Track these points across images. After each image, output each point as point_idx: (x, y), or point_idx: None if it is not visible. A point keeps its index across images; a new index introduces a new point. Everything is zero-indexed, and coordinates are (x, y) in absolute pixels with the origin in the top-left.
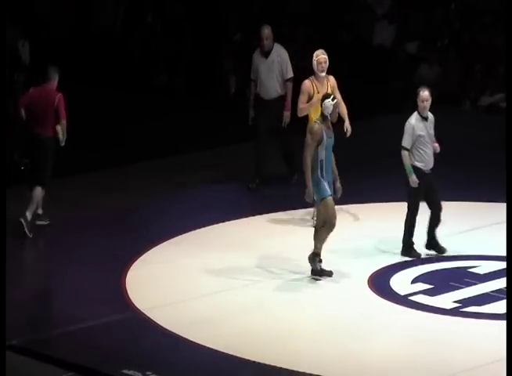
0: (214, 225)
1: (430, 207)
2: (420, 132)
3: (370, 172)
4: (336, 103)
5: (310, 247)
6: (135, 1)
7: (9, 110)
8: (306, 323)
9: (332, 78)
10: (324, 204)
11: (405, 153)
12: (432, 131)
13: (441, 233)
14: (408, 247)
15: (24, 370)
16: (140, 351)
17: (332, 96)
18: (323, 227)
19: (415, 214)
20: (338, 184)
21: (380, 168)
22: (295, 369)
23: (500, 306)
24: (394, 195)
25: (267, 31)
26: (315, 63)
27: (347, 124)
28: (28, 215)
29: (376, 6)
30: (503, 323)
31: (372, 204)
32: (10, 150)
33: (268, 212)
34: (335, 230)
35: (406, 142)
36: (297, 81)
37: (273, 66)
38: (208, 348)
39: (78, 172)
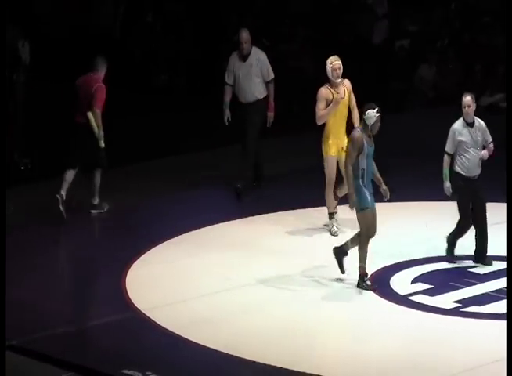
0: (214, 225)
1: (473, 223)
2: (461, 138)
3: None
4: (379, 117)
5: (310, 246)
6: (135, 0)
7: (9, 110)
8: (306, 323)
9: (347, 82)
10: (362, 215)
11: (444, 158)
12: (480, 138)
13: (441, 233)
14: (449, 245)
15: (24, 370)
16: (140, 351)
17: (377, 109)
18: (360, 241)
19: (463, 224)
20: (384, 186)
21: (379, 168)
22: (295, 369)
23: (500, 306)
24: (395, 195)
25: (245, 35)
26: (329, 69)
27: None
28: (94, 199)
29: (376, 6)
30: (503, 323)
31: None
32: (10, 150)
33: (267, 212)
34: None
35: (448, 146)
36: (295, 81)
37: (252, 70)
38: (208, 348)
39: (78, 172)
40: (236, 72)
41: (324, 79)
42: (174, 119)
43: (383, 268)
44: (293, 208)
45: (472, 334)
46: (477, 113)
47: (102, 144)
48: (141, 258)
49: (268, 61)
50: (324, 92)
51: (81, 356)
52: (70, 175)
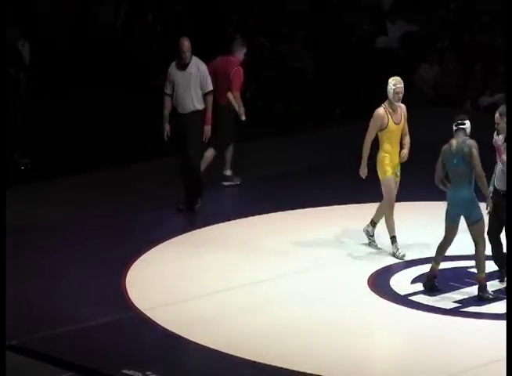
0: (214, 225)
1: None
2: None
3: (368, 172)
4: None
5: (310, 246)
6: (136, 0)
7: (9, 110)
8: (307, 322)
9: (404, 107)
10: (478, 225)
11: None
12: None
13: (440, 234)
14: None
15: (24, 369)
16: (140, 351)
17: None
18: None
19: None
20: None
21: None
22: (296, 369)
23: (500, 306)
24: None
25: (187, 43)
26: (391, 91)
27: (404, 151)
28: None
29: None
30: (503, 323)
31: (371, 204)
32: (10, 150)
33: (267, 212)
34: (334, 230)
35: None
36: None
37: (191, 79)
38: (208, 348)
39: (79, 172)
40: (175, 81)
41: (325, 80)
42: (173, 119)
43: (383, 268)
44: (292, 208)
45: (472, 334)
46: (478, 113)
47: (243, 117)
48: (141, 257)
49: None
50: (382, 114)
51: (80, 355)
52: (210, 152)
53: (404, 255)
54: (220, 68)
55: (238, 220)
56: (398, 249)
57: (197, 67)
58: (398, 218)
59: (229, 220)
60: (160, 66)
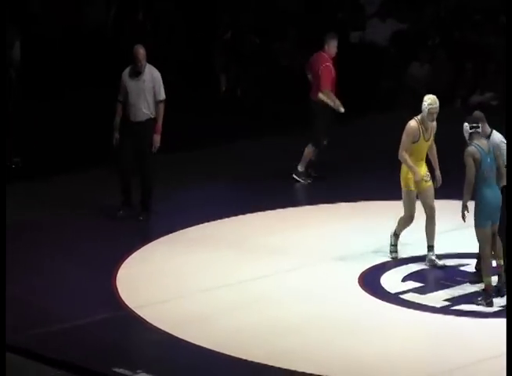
0: (206, 224)
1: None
2: None
3: (360, 171)
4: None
5: (301, 244)
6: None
7: (9, 109)
8: (298, 320)
9: (435, 125)
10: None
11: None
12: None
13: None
14: None
15: (15, 368)
16: (131, 349)
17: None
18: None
19: None
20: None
21: (370, 167)
22: (287, 367)
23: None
24: (384, 193)
25: (142, 51)
26: (426, 110)
27: (437, 174)
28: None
29: (367, 5)
30: (494, 321)
31: (361, 203)
32: (9, 150)
33: (260, 210)
34: (326, 228)
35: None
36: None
37: (144, 87)
38: (199, 346)
39: (70, 171)
40: (128, 88)
41: None
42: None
43: (374, 266)
44: (283, 207)
45: (463, 332)
46: (468, 112)
47: (342, 109)
48: (132, 256)
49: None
50: (414, 128)
51: (71, 353)
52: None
53: (443, 264)
54: (312, 64)
55: (230, 218)
56: (435, 258)
57: (151, 75)
58: (388, 217)
59: (221, 218)
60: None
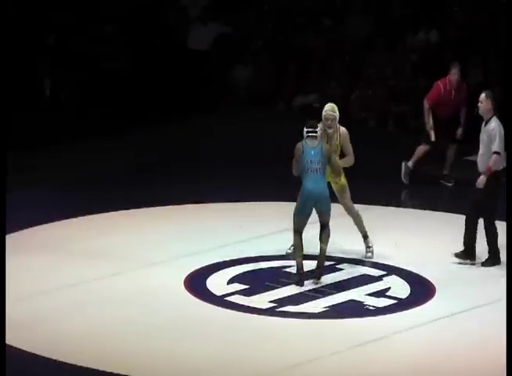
0: (35, 227)
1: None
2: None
3: (182, 172)
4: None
5: (127, 247)
6: None
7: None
8: (122, 325)
9: (343, 133)
10: None
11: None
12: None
13: (256, 234)
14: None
15: None
16: None
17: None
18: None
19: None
20: None
21: (194, 168)
22: (111, 370)
23: (316, 305)
24: (211, 196)
25: None
26: (322, 116)
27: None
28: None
29: (190, 8)
30: (320, 322)
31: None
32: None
33: (90, 214)
34: (154, 231)
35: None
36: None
37: None
38: (25, 351)
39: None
40: None
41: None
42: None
43: (199, 268)
44: (125, 209)
45: (288, 334)
46: (292, 114)
47: (433, 137)
48: None
49: None
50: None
51: None
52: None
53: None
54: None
55: (61, 221)
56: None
57: None
58: (220, 220)
59: (52, 221)
60: None
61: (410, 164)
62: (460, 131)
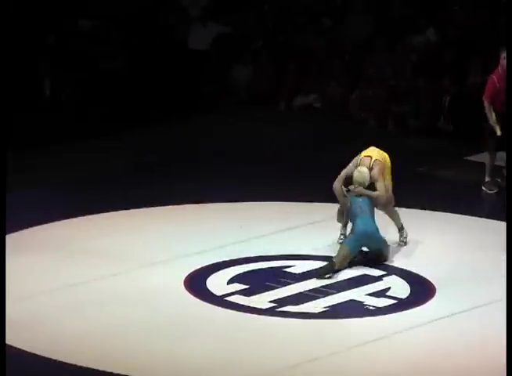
0: (36, 227)
1: None
2: None
3: (182, 172)
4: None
5: (128, 247)
6: None
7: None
8: (123, 325)
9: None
10: None
11: None
12: None
13: (256, 234)
14: None
15: None
16: None
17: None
18: None
19: None
20: None
21: (194, 168)
22: (110, 370)
23: (316, 305)
24: (212, 196)
25: None
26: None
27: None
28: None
29: (190, 8)
30: (319, 322)
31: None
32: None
33: (91, 214)
34: (153, 231)
35: None
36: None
37: None
38: (25, 351)
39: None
40: None
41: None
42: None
43: (200, 268)
44: (125, 208)
45: (288, 334)
46: (292, 114)
47: (498, 132)
48: None
49: None
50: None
51: None
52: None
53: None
54: None
55: (61, 221)
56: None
57: None
58: (217, 219)
59: (52, 221)
60: None
61: (487, 179)
62: None
